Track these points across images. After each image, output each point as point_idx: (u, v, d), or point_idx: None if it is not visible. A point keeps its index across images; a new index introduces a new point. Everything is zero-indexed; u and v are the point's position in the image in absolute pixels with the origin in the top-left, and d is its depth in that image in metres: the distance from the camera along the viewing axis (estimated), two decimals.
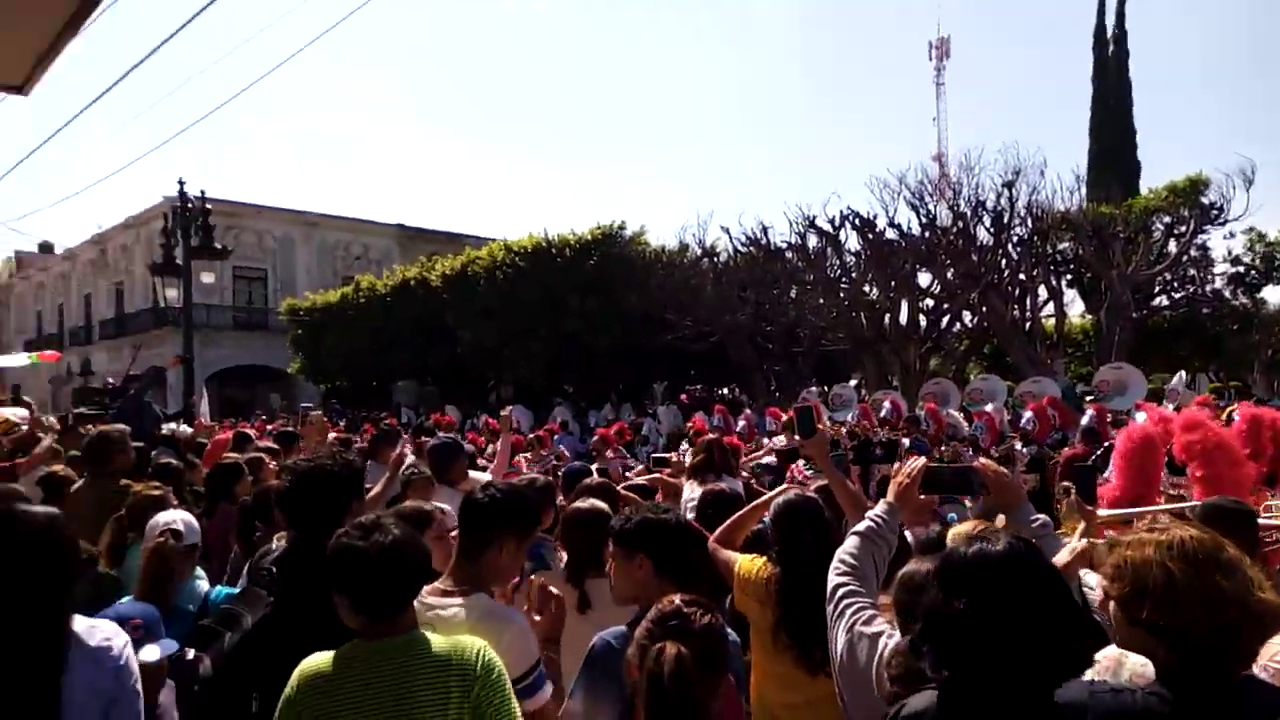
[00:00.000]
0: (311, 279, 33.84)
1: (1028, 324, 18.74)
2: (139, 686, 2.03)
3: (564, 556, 3.27)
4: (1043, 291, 19.39)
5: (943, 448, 10.84)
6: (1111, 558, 1.73)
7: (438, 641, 2.04)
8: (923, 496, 2.47)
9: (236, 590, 3.22)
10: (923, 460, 2.52)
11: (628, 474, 7.13)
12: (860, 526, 2.40)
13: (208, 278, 11.02)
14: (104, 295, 37.53)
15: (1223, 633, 1.58)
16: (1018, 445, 10.20)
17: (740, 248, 20.01)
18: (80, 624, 1.97)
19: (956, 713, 1.57)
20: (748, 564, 3.14)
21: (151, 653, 2.35)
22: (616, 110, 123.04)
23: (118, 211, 55.25)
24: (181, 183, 10.33)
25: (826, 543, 2.91)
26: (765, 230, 19.44)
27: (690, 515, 4.54)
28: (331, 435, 10.13)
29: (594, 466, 6.33)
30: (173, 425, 8.48)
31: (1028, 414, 10.99)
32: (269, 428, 14.36)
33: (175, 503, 4.25)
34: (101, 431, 5.10)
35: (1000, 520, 2.44)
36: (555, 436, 12.40)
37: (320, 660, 1.99)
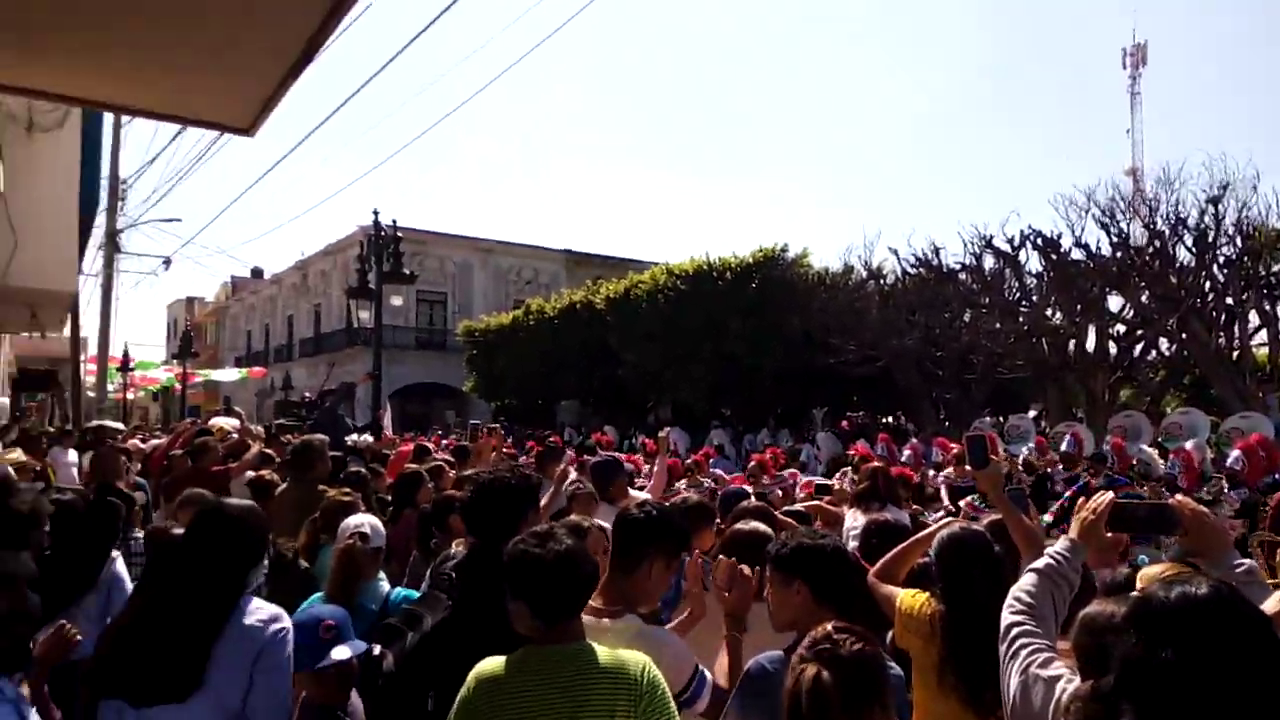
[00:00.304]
0: (486, 302, 35.74)
1: (1235, 353, 16.92)
2: (283, 666, 2.30)
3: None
4: (1254, 317, 17.46)
5: (1141, 487, 9.99)
6: None
7: (605, 654, 2.09)
8: (1110, 534, 2.29)
9: (416, 593, 3.42)
10: (1110, 495, 2.33)
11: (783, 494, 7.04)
12: (1039, 564, 2.25)
13: (396, 301, 11.88)
14: (304, 316, 41.14)
15: None
16: (1225, 487, 9.23)
17: (909, 269, 19.33)
18: (249, 605, 2.31)
19: None
20: (910, 599, 3.02)
21: (342, 652, 2.53)
22: (781, 130, 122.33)
23: (318, 239, 60.55)
24: (376, 214, 11.23)
25: (996, 580, 2.77)
26: (937, 251, 18.70)
27: (852, 544, 4.43)
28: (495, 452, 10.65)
29: (750, 490, 6.30)
30: (355, 437, 9.17)
31: (1235, 453, 9.95)
32: (444, 442, 15.25)
33: (363, 508, 4.61)
34: (305, 441, 5.62)
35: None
36: (711, 460, 12.41)
37: (495, 663, 2.09)
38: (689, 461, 12.08)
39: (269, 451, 7.06)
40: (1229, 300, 16.59)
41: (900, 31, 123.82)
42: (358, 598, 3.34)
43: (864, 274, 20.42)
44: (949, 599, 2.83)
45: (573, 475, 6.43)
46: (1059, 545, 2.28)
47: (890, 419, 21.55)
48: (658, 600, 2.78)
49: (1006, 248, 17.39)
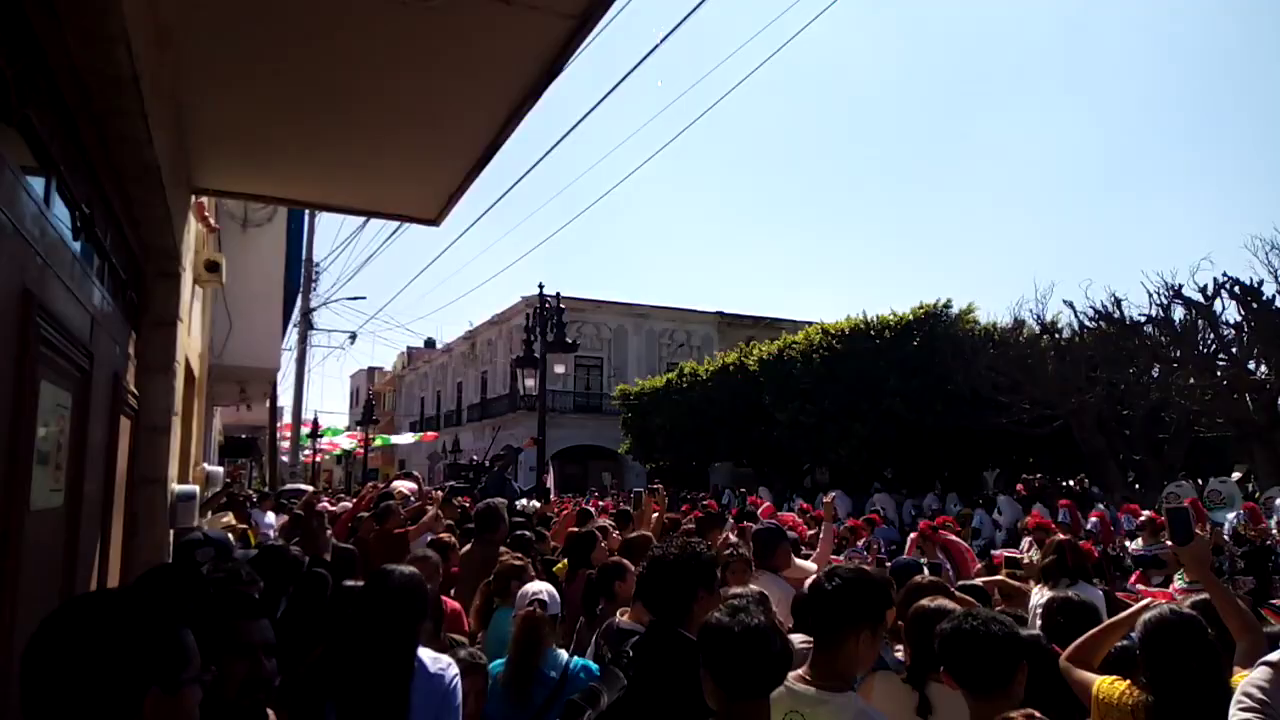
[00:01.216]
0: (640, 365, 36.44)
1: None
2: (459, 705, 2.65)
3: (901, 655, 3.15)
4: None
5: None
6: None
7: None
8: None
9: (594, 664, 3.49)
10: None
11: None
12: (1274, 657, 2.04)
13: (560, 369, 12.37)
14: (472, 383, 43.34)
15: None
16: None
17: (1087, 322, 18.15)
18: (425, 654, 2.64)
19: None
20: (1108, 686, 2.79)
21: None
22: (940, 182, 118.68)
23: (486, 310, 63.95)
24: (541, 286, 11.82)
25: (1211, 669, 2.53)
26: (1118, 302, 17.49)
27: (1037, 623, 4.15)
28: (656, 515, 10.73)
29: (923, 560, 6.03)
30: (524, 501, 9.50)
31: None
32: (600, 503, 15.52)
33: (533, 573, 4.77)
34: (490, 504, 5.92)
35: None
36: (876, 528, 11.94)
37: None
38: (844, 527, 11.69)
39: (440, 514, 7.43)
40: None
41: (1068, 72, 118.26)
42: (539, 666, 3.44)
43: (1037, 328, 19.35)
44: (1156, 688, 2.60)
45: (732, 540, 6.42)
46: None
47: (1072, 482, 20.05)
48: (867, 668, 2.72)
49: (1199, 297, 16.04)
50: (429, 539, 6.02)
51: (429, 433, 40.02)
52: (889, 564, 5.40)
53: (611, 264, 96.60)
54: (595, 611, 4.51)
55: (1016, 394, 17.53)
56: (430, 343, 50.22)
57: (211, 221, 6.11)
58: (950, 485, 20.19)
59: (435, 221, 3.83)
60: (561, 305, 11.95)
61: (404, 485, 9.69)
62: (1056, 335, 19.06)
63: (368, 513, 7.54)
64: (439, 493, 8.60)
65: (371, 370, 58.33)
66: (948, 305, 20.36)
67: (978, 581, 4.52)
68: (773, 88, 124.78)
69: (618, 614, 4.02)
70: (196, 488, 5.51)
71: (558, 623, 3.91)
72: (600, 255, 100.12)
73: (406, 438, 40.18)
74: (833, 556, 7.27)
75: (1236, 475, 17.59)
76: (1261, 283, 15.33)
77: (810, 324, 23.25)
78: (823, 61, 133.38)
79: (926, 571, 4.18)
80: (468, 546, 5.63)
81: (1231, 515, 11.39)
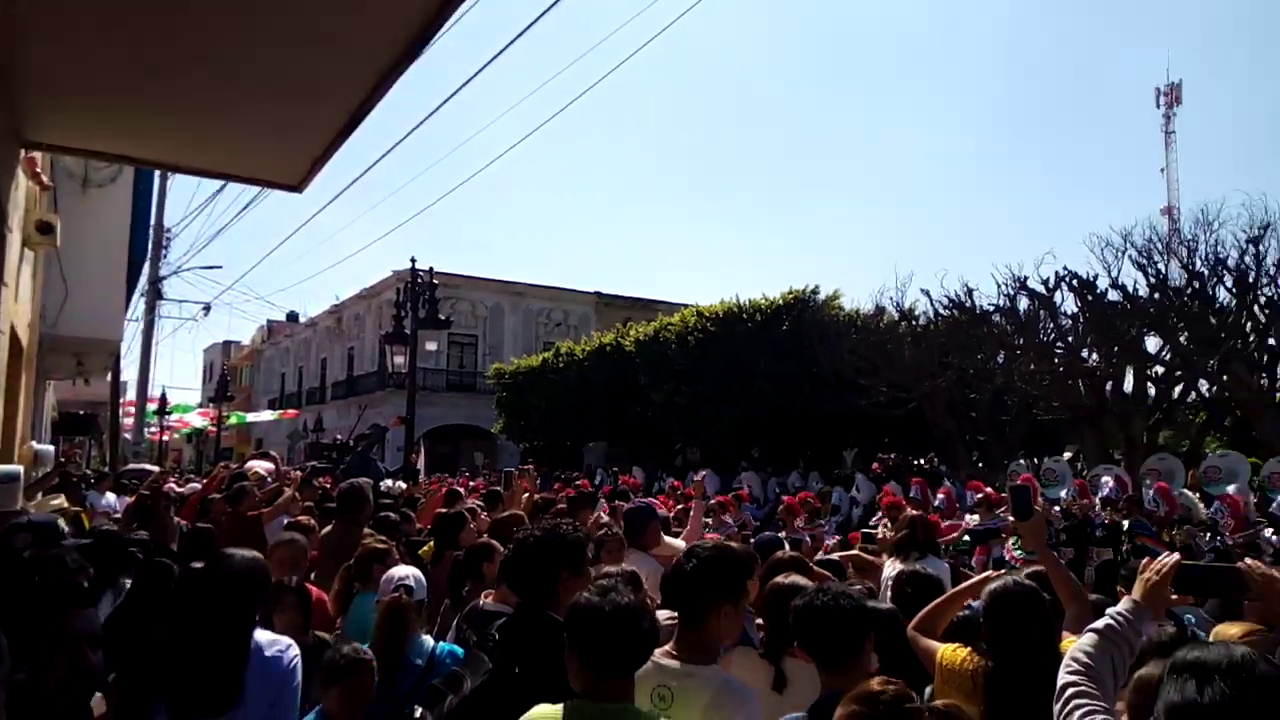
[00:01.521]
0: (516, 344, 36.07)
1: (1278, 395, 16.57)
2: (298, 688, 2.63)
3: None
4: None
5: (1173, 531, 9.77)
6: None
7: (651, 716, 2.11)
8: (1174, 597, 2.25)
9: (461, 649, 3.42)
10: (1176, 556, 2.29)
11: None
12: (1100, 624, 2.20)
13: (431, 346, 12.03)
14: (337, 360, 41.72)
15: None
16: (1267, 533, 8.99)
17: (942, 310, 19.23)
18: (262, 636, 2.61)
19: None
20: (951, 653, 2.97)
21: None
22: (813, 173, 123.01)
23: (354, 284, 61.59)
24: (413, 260, 11.45)
25: (1046, 636, 2.73)
26: (970, 292, 18.58)
27: (887, 595, 4.37)
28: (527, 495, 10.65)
29: (781, 535, 6.25)
30: (389, 481, 9.21)
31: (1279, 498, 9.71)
32: (471, 484, 15.28)
33: (397, 556, 4.63)
34: (355, 485, 5.70)
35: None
36: (743, 505, 12.30)
37: (546, 711, 2.11)
38: (713, 503, 12.00)
39: (297, 497, 7.12)
40: (1271, 341, 16.29)
41: (934, 74, 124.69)
42: (404, 652, 3.33)
43: (896, 315, 20.35)
44: (996, 654, 2.78)
45: (604, 519, 6.45)
46: (1122, 606, 2.23)
47: (923, 461, 21.28)
48: (732, 641, 2.78)
49: (1041, 289, 17.25)
50: (285, 521, 5.76)
51: (289, 410, 38.32)
52: (753, 540, 5.57)
53: (489, 241, 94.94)
54: (461, 594, 4.43)
55: (875, 377, 18.38)
56: (293, 316, 47.96)
57: (45, 179, 5.57)
58: (813, 464, 21.02)
59: (298, 188, 3.62)
60: (435, 281, 11.62)
61: (260, 465, 9.23)
62: (914, 322, 20.09)
63: (220, 494, 7.16)
64: (298, 473, 8.24)
65: (227, 344, 55.21)
66: (815, 291, 21.07)
67: (834, 556, 4.72)
68: (656, 71, 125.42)
69: (482, 596, 3.97)
70: (20, 468, 5.05)
71: (423, 608, 3.81)
72: (477, 232, 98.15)
73: (265, 416, 38.30)
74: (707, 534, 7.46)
75: (1068, 455, 19.13)
76: (1096, 277, 16.64)
77: (686, 306, 23.60)
78: (707, 48, 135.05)
79: (787, 547, 4.33)
80: (327, 528, 5.41)
81: (1064, 492, 12.36)
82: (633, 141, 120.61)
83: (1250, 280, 15.30)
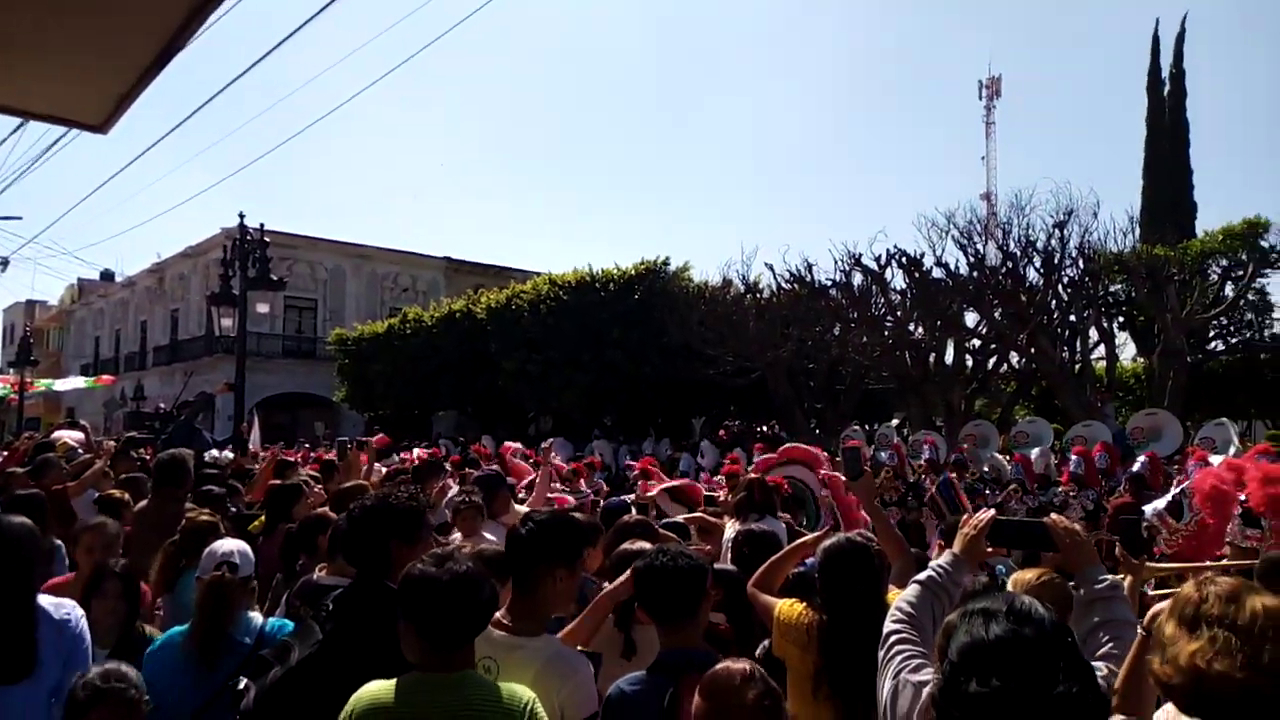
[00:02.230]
0: (360, 309, 34.54)
1: (1078, 367, 18.37)
2: (89, 649, 2.69)
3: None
4: (1094, 334, 19.03)
5: (1003, 491, 10.63)
6: (1181, 659, 1.67)
7: (490, 686, 2.07)
8: (989, 550, 2.43)
9: (292, 624, 3.25)
10: (991, 512, 2.48)
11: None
12: (922, 576, 2.36)
13: (263, 308, 11.31)
14: (160, 322, 38.65)
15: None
16: (1073, 492, 9.95)
17: (784, 284, 20.00)
18: (45, 601, 2.63)
19: None
20: (788, 608, 3.09)
21: None
22: (663, 148, 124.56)
23: (177, 241, 57.10)
24: (242, 216, 10.66)
25: (875, 591, 2.88)
26: (809, 267, 19.43)
27: (728, 556, 4.51)
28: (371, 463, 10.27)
29: (630, 499, 6.34)
30: (214, 452, 8.62)
31: (1074, 458, 10.77)
32: (312, 455, 14.60)
33: (224, 531, 4.34)
34: (174, 455, 5.28)
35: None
36: (596, 472, 12.39)
37: (378, 687, 2.03)
38: (567, 470, 12.03)
39: (107, 471, 6.54)
40: (1072, 318, 17.99)
41: (782, 55, 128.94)
42: (230, 632, 3.13)
43: (741, 288, 20.99)
44: (829, 608, 2.92)
45: (455, 489, 6.31)
46: (942, 559, 2.41)
47: (765, 428, 22.19)
48: (568, 607, 2.77)
49: (874, 265, 18.25)
50: (95, 496, 5.28)
51: (105, 376, 35.16)
52: (602, 504, 5.61)
53: (331, 200, 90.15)
54: (295, 568, 4.23)
55: (722, 348, 18.95)
56: (108, 275, 43.95)
57: None
58: (663, 432, 21.48)
59: (102, 129, 3.25)
60: (266, 239, 10.88)
61: (69, 436, 8.43)
62: (758, 295, 20.82)
63: (22, 467, 6.48)
64: (111, 444, 7.58)
65: (31, 304, 49.95)
66: (666, 263, 21.39)
67: (679, 519, 4.83)
68: (509, 32, 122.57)
69: (316, 570, 3.80)
70: None
71: (251, 584, 3.60)
72: (318, 190, 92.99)
73: (76, 382, 35.00)
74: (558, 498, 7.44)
75: (895, 421, 20.47)
76: (923, 255, 17.79)
77: (539, 274, 23.40)
78: (565, 14, 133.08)
79: (634, 511, 4.38)
80: (143, 502, 5.01)
81: (885, 455, 13.20)
82: (486, 106, 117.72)
83: (1056, 261, 16.79)
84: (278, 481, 5.92)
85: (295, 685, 2.38)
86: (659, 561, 2.45)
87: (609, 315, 20.12)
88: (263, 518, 5.23)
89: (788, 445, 6.93)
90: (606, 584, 3.30)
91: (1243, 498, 4.14)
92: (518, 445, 10.93)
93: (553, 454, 6.81)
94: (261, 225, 10.84)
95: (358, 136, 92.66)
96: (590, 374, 19.91)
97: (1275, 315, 19.66)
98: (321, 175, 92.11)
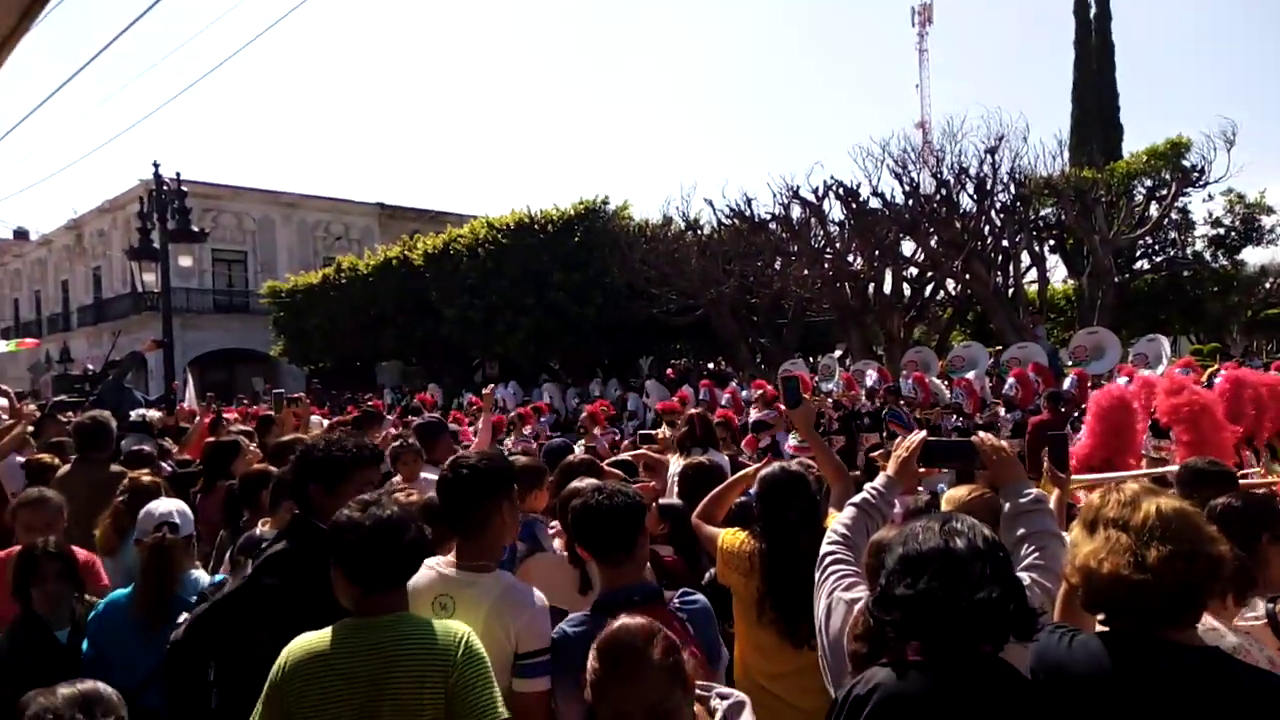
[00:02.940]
0: (292, 260, 33.52)
1: (1011, 290, 18.80)
2: None
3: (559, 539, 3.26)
4: (1026, 258, 19.46)
5: (929, 412, 10.92)
6: (1078, 559, 1.75)
7: (424, 624, 2.08)
8: (922, 469, 2.49)
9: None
10: (923, 434, 2.54)
11: (616, 450, 7.14)
12: (857, 498, 2.43)
13: (185, 261, 10.86)
14: (81, 281, 37.09)
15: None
16: (1001, 411, 10.27)
17: (724, 220, 19.95)
18: None
19: (912, 686, 1.61)
20: (730, 537, 3.15)
21: None
22: (598, 84, 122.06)
23: (93, 196, 54.45)
24: (156, 165, 10.13)
25: (812, 517, 2.93)
26: (749, 202, 19.36)
27: (674, 490, 4.56)
28: (317, 418, 10.10)
29: (580, 444, 6.36)
30: (144, 411, 8.35)
31: (1011, 380, 11.07)
32: (251, 410, 14.29)
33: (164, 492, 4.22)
34: (95, 417, 5.09)
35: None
36: (542, 417, 12.38)
37: (313, 636, 2.04)
38: (512, 415, 12.00)
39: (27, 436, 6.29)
40: (1005, 243, 18.33)
41: None
42: (176, 593, 3.08)
43: (682, 225, 20.89)
44: (768, 536, 2.97)
45: (394, 434, 6.25)
46: (877, 481, 2.48)
47: (712, 364, 22.36)
48: (514, 537, 2.78)
49: (812, 197, 18.26)
50: (20, 461, 5.08)
51: (27, 340, 33.68)
52: (544, 446, 5.60)
53: (255, 147, 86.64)
54: (239, 524, 4.17)
55: (665, 286, 18.93)
56: (22, 233, 41.84)
57: None
58: (610, 372, 21.51)
59: None
60: (184, 189, 10.39)
61: None
62: (699, 232, 20.75)
63: None
64: (32, 408, 7.29)
65: None
66: (606, 202, 21.12)
67: (625, 456, 4.85)
68: None
69: (260, 524, 3.75)
70: None
71: (193, 543, 3.53)
72: (241, 138, 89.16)
73: None
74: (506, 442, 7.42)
75: (838, 352, 20.80)
76: (859, 185, 17.85)
77: (476, 217, 22.93)
78: None
79: (578, 451, 4.38)
80: (66, 467, 4.85)
81: (833, 384, 13.44)
82: (415, 43, 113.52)
83: (988, 187, 17.02)
84: (215, 439, 5.79)
85: (221, 614, 2.41)
86: (594, 500, 2.45)
87: (550, 257, 19.89)
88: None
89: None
90: (555, 523, 3.32)
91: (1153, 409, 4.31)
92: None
93: (497, 400, 6.77)
94: (179, 175, 10.35)
95: (280, 79, 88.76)
96: (534, 317, 19.75)
97: (1197, 233, 20.35)
98: (243, 122, 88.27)
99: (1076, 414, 7.76)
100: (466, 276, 20.94)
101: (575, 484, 3.24)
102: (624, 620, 1.75)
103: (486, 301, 20.35)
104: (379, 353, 25.54)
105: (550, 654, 2.30)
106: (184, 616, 2.60)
